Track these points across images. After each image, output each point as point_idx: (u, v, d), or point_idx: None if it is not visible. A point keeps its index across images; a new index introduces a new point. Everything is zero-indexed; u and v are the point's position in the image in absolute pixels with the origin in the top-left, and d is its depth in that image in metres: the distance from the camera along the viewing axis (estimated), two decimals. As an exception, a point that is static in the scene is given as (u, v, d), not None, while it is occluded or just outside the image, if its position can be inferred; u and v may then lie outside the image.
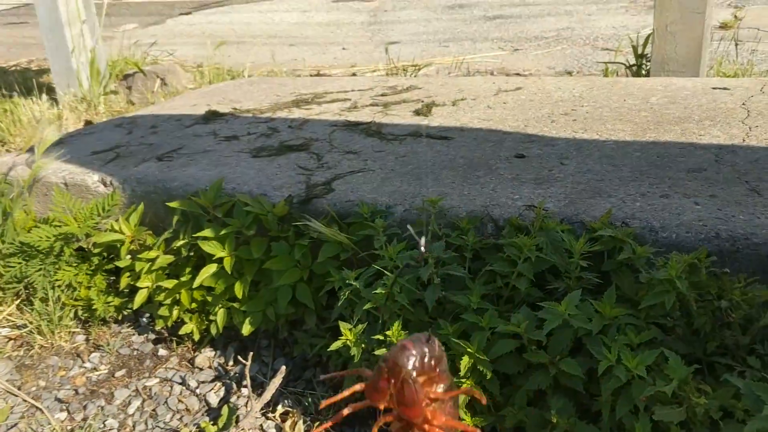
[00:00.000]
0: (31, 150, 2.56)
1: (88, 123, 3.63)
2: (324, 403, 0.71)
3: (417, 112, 2.42)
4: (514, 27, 5.91)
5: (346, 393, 0.66)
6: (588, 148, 1.93)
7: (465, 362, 1.30)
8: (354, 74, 4.44)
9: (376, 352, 1.43)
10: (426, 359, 0.62)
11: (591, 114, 2.25)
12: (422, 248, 1.34)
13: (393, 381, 0.60)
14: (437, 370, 0.64)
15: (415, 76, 4.00)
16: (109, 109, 4.03)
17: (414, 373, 0.61)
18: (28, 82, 4.67)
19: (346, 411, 0.67)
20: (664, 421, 1.12)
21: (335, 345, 1.47)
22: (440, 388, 0.66)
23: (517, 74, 4.32)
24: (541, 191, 1.66)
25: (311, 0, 8.06)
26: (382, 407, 0.64)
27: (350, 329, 1.46)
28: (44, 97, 3.99)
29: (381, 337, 1.41)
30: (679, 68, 2.89)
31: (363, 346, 1.46)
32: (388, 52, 4.34)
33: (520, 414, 1.31)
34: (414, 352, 0.61)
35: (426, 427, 0.65)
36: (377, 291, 1.43)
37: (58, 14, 3.89)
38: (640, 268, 1.34)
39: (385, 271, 1.43)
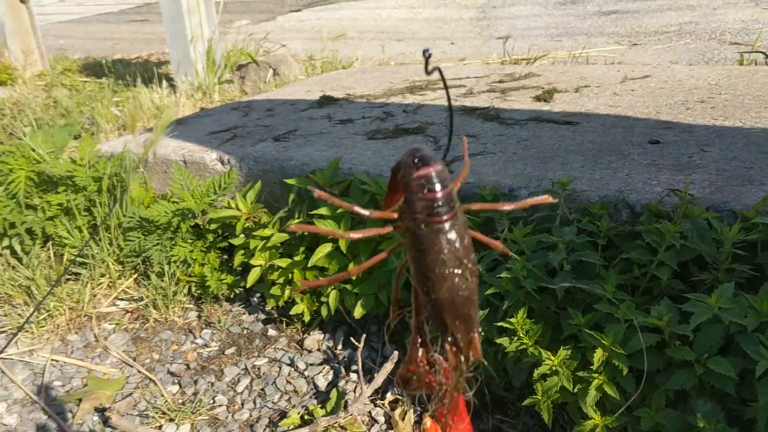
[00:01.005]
0: (150, 131, 2.64)
1: (202, 110, 3.73)
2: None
3: (537, 98, 2.31)
4: (632, 22, 5.64)
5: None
6: (731, 136, 1.77)
7: (598, 356, 1.20)
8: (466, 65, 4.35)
9: (497, 341, 1.35)
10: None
11: (731, 101, 2.07)
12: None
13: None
14: None
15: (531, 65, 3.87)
16: (223, 97, 4.12)
17: None
18: (148, 72, 4.87)
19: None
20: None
21: (454, 331, 1.39)
22: None
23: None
24: (681, 178, 1.52)
25: (419, -4, 8.02)
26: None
27: (470, 315, 1.38)
28: (164, 84, 4.14)
29: (504, 325, 1.32)
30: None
31: (483, 333, 1.38)
32: (504, 45, 4.22)
33: (658, 416, 1.19)
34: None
35: None
36: (502, 275, 1.35)
37: (179, 4, 4.02)
38: (804, 261, 1.20)
39: (513, 255, 1.34)
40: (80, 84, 4.97)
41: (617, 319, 1.23)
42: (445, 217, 0.55)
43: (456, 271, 0.56)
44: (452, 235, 0.55)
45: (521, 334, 1.30)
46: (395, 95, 2.58)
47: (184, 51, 4.16)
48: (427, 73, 0.54)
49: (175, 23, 4.10)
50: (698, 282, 1.29)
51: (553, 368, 1.24)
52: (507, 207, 0.62)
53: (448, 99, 0.58)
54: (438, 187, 0.55)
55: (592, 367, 1.20)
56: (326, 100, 2.59)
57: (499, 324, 1.33)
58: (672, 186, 1.48)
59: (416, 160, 0.56)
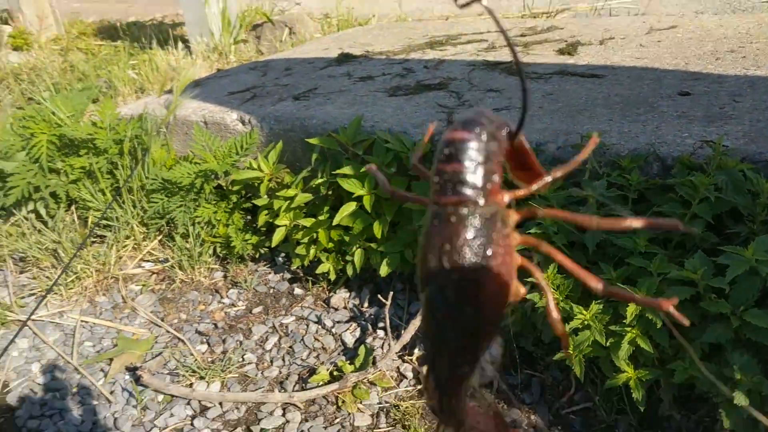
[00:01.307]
0: (168, 92, 2.62)
1: (219, 71, 3.69)
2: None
3: (561, 51, 2.25)
4: (654, -29, 5.49)
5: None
6: (764, 85, 1.72)
7: (632, 309, 1.19)
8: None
9: (528, 297, 1.34)
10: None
11: (762, 50, 2.01)
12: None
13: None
14: None
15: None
16: (239, 57, 4.08)
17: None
18: (163, 34, 4.84)
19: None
20: None
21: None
22: None
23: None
24: (713, 129, 1.49)
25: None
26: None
27: (499, 271, 1.37)
28: (180, 46, 4.10)
29: (533, 281, 1.31)
30: None
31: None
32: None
33: (693, 368, 1.18)
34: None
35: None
36: (531, 231, 1.33)
37: (193, -36, 3.97)
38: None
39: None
40: (96, 47, 4.94)
41: (650, 272, 1.22)
42: (444, 200, 0.43)
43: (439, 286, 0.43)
44: (447, 230, 0.43)
45: (552, 289, 1.29)
46: (415, 51, 2.54)
47: (199, 12, 4.11)
48: (460, 6, 0.40)
49: (189, -17, 4.05)
50: (733, 234, 1.27)
51: (585, 323, 1.23)
52: (559, 173, 0.47)
53: (508, 42, 0.40)
54: (453, 157, 0.43)
55: (624, 321, 1.19)
56: (345, 58, 2.56)
57: (529, 280, 1.32)
58: (704, 137, 1.44)
59: (457, 121, 0.44)
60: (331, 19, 4.50)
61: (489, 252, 0.42)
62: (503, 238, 0.43)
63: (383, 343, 1.72)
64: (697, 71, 1.90)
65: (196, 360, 1.73)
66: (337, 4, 4.61)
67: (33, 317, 1.89)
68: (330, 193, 1.81)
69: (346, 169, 1.70)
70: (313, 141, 1.78)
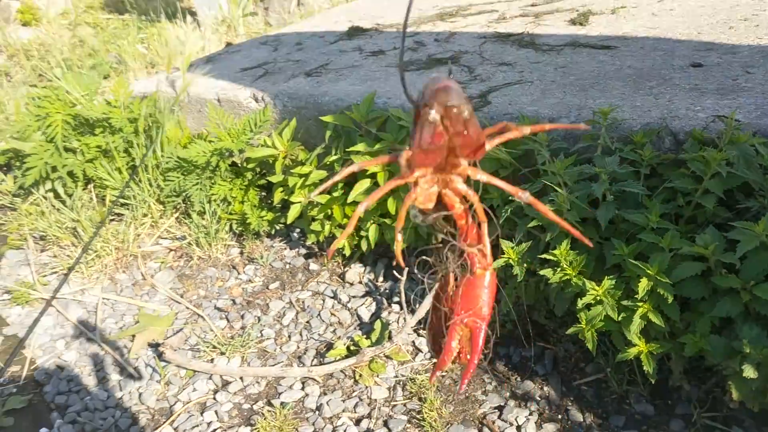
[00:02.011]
0: (178, 69, 2.63)
1: (228, 44, 3.69)
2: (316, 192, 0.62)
3: (572, 22, 2.24)
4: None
5: (369, 164, 0.59)
6: (777, 56, 1.72)
7: (643, 285, 1.21)
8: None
9: (540, 272, 1.36)
10: (464, 96, 0.51)
11: (776, 18, 2.00)
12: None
13: (452, 126, 0.50)
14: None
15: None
16: (248, 30, 4.08)
17: (470, 105, 0.51)
18: (171, 6, 4.82)
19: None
20: None
21: (496, 264, 1.41)
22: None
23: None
24: (726, 102, 1.49)
25: None
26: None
27: (512, 248, 1.40)
28: (188, 19, 4.09)
29: (547, 257, 1.33)
30: None
31: (526, 265, 1.39)
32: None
33: (702, 342, 1.20)
34: (457, 86, 0.51)
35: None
36: (544, 207, 1.35)
37: (199, -65, 3.93)
38: None
39: (554, 187, 1.34)
40: (103, 21, 4.94)
41: (661, 248, 1.24)
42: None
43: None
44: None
45: (564, 266, 1.31)
46: (425, 23, 2.53)
47: (207, -17, 4.09)
48: None
49: (195, -45, 4.01)
50: (744, 209, 1.28)
51: (597, 298, 1.26)
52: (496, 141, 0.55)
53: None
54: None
55: (636, 296, 1.22)
56: (355, 32, 2.55)
57: (542, 256, 1.34)
58: (716, 111, 1.45)
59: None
60: (339, -11, 4.46)
61: None
62: None
63: (399, 317, 1.75)
64: (709, 41, 1.89)
65: (216, 336, 1.77)
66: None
67: (55, 295, 1.94)
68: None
69: (360, 146, 1.71)
70: (326, 119, 1.79)
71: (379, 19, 2.72)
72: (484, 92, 1.76)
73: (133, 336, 1.78)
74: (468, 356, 0.61)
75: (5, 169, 2.48)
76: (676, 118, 1.45)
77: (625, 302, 1.25)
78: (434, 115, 0.50)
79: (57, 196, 2.25)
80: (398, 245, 0.63)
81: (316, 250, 2.04)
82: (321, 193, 1.78)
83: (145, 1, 5.26)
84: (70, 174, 2.20)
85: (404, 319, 1.72)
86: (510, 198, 1.42)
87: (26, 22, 4.84)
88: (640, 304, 1.22)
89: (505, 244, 1.40)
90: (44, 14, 4.97)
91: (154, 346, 1.75)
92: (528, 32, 2.20)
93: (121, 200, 2.17)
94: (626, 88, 1.65)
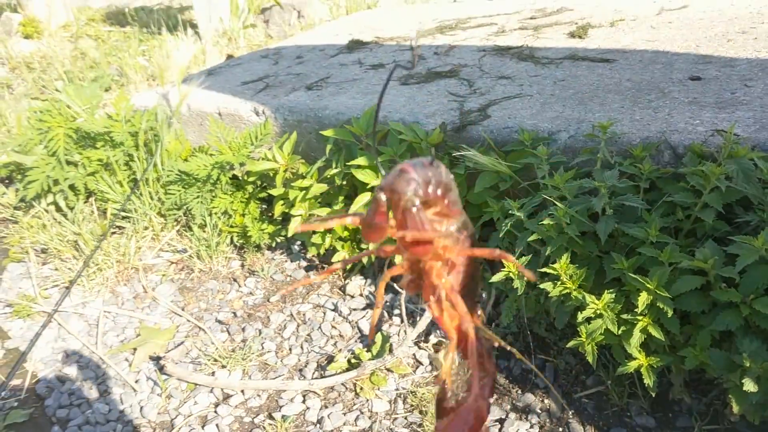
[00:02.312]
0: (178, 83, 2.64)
1: (229, 56, 3.71)
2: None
3: (572, 35, 2.26)
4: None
5: (320, 226, 0.54)
6: (775, 69, 1.73)
7: (643, 298, 1.21)
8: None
9: (541, 286, 1.37)
10: (431, 186, 0.48)
11: (774, 31, 2.01)
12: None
13: (394, 212, 0.47)
14: (445, 200, 0.49)
15: None
16: (248, 42, 4.10)
17: (417, 201, 0.47)
18: (171, 19, 4.84)
19: (336, 266, 0.55)
20: None
21: (496, 277, 1.41)
22: (453, 226, 0.51)
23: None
24: (725, 116, 1.50)
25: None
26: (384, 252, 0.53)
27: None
28: (189, 32, 4.11)
29: (547, 270, 1.34)
30: None
31: (526, 278, 1.40)
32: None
33: (703, 355, 1.21)
34: (414, 175, 0.47)
35: (439, 263, 0.51)
36: (544, 222, 1.36)
37: (200, -52, 3.96)
38: None
39: (554, 201, 1.34)
40: (105, 34, 4.96)
41: (661, 262, 1.24)
42: None
43: None
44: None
45: (565, 279, 1.32)
46: (425, 36, 2.55)
47: (208, -4, 4.12)
48: None
49: (196, -32, 4.04)
50: (743, 223, 1.29)
51: (597, 311, 1.26)
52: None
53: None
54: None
55: (636, 309, 1.22)
56: (355, 45, 2.57)
57: (543, 270, 1.35)
58: (715, 125, 1.46)
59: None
60: (338, 1, 4.49)
61: None
62: None
63: (399, 330, 1.75)
64: (708, 54, 1.90)
65: (217, 348, 1.77)
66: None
67: (57, 309, 1.94)
68: (344, 183, 1.84)
69: (361, 160, 1.72)
70: (327, 133, 1.80)
71: (378, 32, 2.74)
72: (483, 106, 1.77)
73: (135, 349, 1.78)
74: None
75: (7, 182, 2.49)
76: (675, 132, 1.46)
77: (625, 316, 1.25)
78: (379, 194, 0.48)
79: (58, 209, 2.26)
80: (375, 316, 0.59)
81: (317, 262, 2.05)
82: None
83: (146, 13, 5.29)
84: (72, 187, 2.21)
85: (405, 331, 1.72)
86: (510, 211, 1.42)
87: (28, 34, 4.86)
88: (640, 317, 1.23)
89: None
90: (46, 27, 4.99)
91: (156, 359, 1.75)
92: (527, 45, 2.21)
93: (123, 213, 2.18)
94: (625, 102, 1.66)
